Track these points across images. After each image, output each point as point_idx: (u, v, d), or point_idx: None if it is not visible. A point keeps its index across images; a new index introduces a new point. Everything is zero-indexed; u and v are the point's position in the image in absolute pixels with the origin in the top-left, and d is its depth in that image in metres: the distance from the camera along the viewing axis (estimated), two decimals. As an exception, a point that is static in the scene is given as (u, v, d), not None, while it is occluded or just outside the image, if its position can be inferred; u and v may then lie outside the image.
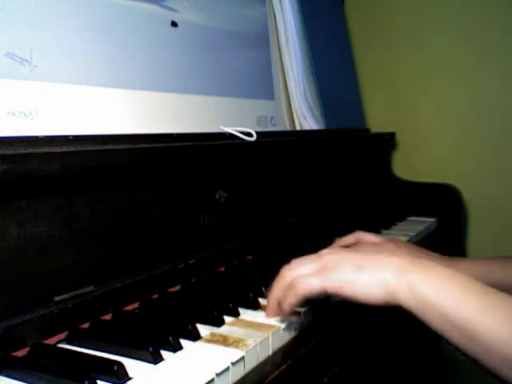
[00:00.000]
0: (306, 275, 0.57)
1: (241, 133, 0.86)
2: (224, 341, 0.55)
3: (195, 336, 0.56)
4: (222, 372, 0.49)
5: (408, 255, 0.59)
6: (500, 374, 0.48)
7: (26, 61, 0.62)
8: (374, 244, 0.84)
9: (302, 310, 0.61)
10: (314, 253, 0.88)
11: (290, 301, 0.57)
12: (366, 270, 0.55)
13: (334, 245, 0.87)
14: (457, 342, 0.51)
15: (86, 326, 0.60)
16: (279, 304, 0.59)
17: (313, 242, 0.98)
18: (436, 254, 0.85)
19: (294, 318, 0.60)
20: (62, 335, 0.57)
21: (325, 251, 0.61)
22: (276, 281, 0.60)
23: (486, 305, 0.51)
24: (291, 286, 0.57)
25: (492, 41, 1.31)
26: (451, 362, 1.32)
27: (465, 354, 0.51)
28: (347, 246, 0.85)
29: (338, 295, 0.56)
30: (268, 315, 0.60)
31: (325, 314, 0.65)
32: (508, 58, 1.30)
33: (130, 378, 0.48)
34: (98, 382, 0.47)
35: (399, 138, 1.45)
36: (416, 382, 1.41)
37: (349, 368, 0.66)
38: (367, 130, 1.45)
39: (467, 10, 1.34)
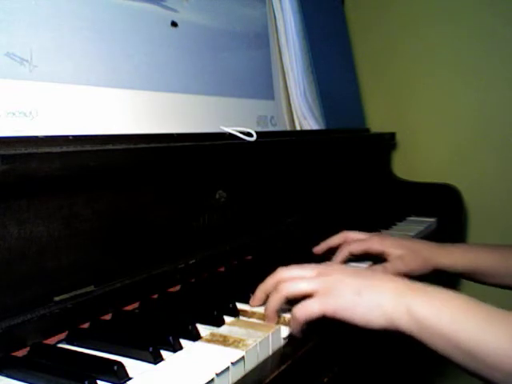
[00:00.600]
0: (306, 305, 0.57)
1: (241, 133, 0.86)
2: (224, 341, 0.55)
3: (195, 336, 0.56)
4: (222, 372, 0.49)
5: (403, 279, 0.60)
6: None
7: (26, 61, 0.62)
8: (360, 241, 0.85)
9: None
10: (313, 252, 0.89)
11: (295, 329, 0.58)
12: (365, 295, 0.56)
13: (323, 245, 0.88)
14: (461, 362, 0.52)
15: (86, 326, 0.60)
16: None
17: (313, 242, 0.98)
18: (423, 241, 0.87)
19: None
20: (62, 335, 0.57)
21: (324, 269, 0.62)
22: (271, 277, 0.62)
23: (487, 323, 0.51)
24: (292, 316, 0.58)
25: (496, 41, 1.31)
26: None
27: (471, 373, 0.52)
28: (336, 248, 0.86)
29: (337, 319, 0.57)
30: (252, 304, 0.63)
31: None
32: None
33: (130, 378, 0.48)
34: (98, 382, 0.47)
35: (399, 138, 1.45)
36: (416, 381, 1.41)
37: (349, 368, 0.66)
38: (367, 130, 1.45)
39: (471, 6, 1.33)
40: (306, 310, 0.57)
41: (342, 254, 0.84)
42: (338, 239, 0.87)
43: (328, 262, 0.65)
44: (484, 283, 0.84)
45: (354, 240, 0.86)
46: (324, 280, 0.59)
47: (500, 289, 0.83)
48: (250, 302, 0.64)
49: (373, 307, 0.55)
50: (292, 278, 0.61)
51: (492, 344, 0.50)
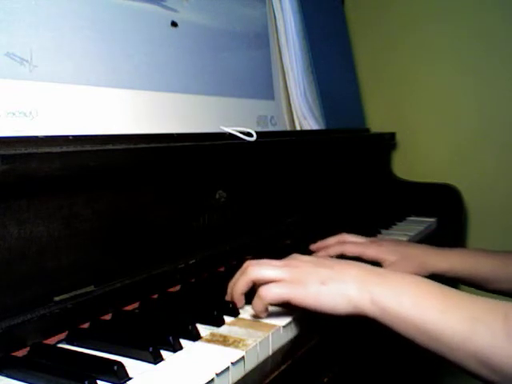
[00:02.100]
0: (272, 286, 0.59)
1: (241, 133, 0.86)
2: (224, 341, 0.55)
3: (195, 336, 0.56)
4: (222, 372, 0.49)
5: (366, 266, 0.62)
6: (468, 369, 0.51)
7: (26, 61, 0.62)
8: (356, 243, 0.86)
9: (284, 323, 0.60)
10: (313, 252, 0.89)
11: (258, 308, 0.60)
12: (330, 284, 0.58)
13: (319, 243, 0.88)
14: (424, 345, 0.54)
15: (86, 326, 0.60)
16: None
17: (312, 242, 0.98)
18: (421, 245, 0.87)
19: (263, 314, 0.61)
20: (62, 335, 0.57)
21: (292, 261, 0.63)
22: (239, 274, 0.63)
23: (448, 306, 0.53)
24: (257, 295, 0.59)
25: (496, 40, 1.31)
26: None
27: (433, 354, 0.53)
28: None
29: (302, 306, 0.58)
30: (238, 306, 0.63)
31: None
32: None
33: (130, 378, 0.48)
34: (98, 382, 0.47)
35: (399, 138, 1.45)
36: (415, 381, 1.41)
37: (349, 368, 0.66)
38: (367, 130, 1.45)
39: (472, 5, 1.33)
40: (273, 291, 0.59)
41: (333, 250, 0.85)
42: (335, 240, 0.88)
43: (296, 254, 0.66)
44: (483, 289, 0.83)
45: (351, 242, 0.87)
46: (291, 270, 0.60)
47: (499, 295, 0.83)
48: (226, 298, 0.65)
49: (338, 295, 0.57)
50: (259, 263, 0.63)
51: (453, 326, 0.51)
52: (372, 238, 0.92)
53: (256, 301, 0.60)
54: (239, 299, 0.63)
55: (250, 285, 0.62)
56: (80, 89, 0.68)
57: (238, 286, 0.62)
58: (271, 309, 0.61)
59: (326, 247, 0.87)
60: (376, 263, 0.82)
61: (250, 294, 0.62)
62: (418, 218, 1.30)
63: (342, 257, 0.83)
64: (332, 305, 0.57)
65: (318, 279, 0.59)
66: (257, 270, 0.61)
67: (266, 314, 0.60)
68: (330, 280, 0.58)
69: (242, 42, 1.01)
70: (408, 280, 0.58)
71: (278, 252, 0.91)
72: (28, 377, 0.49)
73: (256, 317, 0.61)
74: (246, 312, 0.63)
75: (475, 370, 0.50)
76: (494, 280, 0.81)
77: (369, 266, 0.62)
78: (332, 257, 0.84)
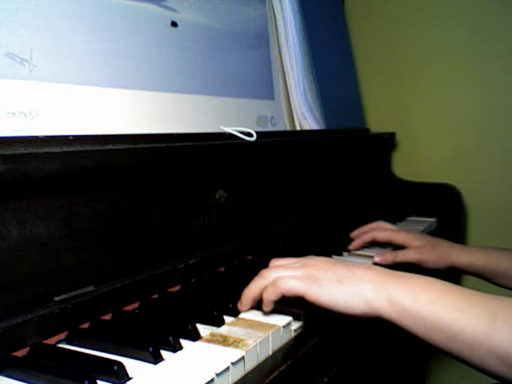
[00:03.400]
0: (288, 277, 0.60)
1: (241, 133, 0.86)
2: (224, 341, 0.55)
3: (195, 336, 0.56)
4: (222, 372, 0.49)
5: (382, 268, 0.62)
6: (487, 368, 0.50)
7: (26, 61, 0.62)
8: (387, 230, 0.93)
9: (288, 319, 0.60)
10: (313, 252, 0.89)
11: (269, 297, 0.60)
12: (346, 283, 0.58)
13: (359, 230, 0.96)
14: (441, 345, 0.53)
15: (86, 326, 0.60)
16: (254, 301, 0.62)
17: (312, 242, 0.98)
18: (452, 243, 0.90)
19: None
20: (62, 335, 0.57)
21: (308, 261, 0.64)
22: (254, 280, 0.62)
23: (465, 303, 0.53)
24: (272, 283, 0.60)
25: (497, 40, 1.31)
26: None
27: (450, 354, 0.53)
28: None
29: (316, 304, 0.58)
30: (240, 309, 0.63)
31: (324, 313, 0.65)
32: None
33: (130, 378, 0.48)
34: (98, 382, 0.47)
35: (399, 138, 1.45)
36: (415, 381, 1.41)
37: (349, 368, 0.66)
38: (367, 130, 1.45)
39: (472, 4, 1.33)
40: (289, 283, 0.59)
41: (366, 237, 0.92)
42: (371, 225, 0.95)
43: (312, 256, 0.67)
44: (502, 286, 0.85)
45: (382, 228, 0.94)
46: (307, 269, 0.61)
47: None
48: (238, 307, 0.63)
49: (354, 295, 0.57)
50: (276, 267, 0.63)
51: (471, 323, 0.51)
52: (403, 228, 0.99)
53: (269, 289, 0.59)
54: (247, 303, 0.62)
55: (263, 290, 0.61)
56: (80, 89, 0.68)
57: (252, 288, 0.62)
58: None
59: (362, 233, 0.94)
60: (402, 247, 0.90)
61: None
62: (418, 218, 1.30)
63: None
64: (347, 304, 0.57)
65: (334, 277, 0.59)
66: (272, 273, 0.61)
67: (271, 308, 0.60)
68: (347, 279, 0.58)
69: (241, 42, 1.01)
70: (424, 280, 0.58)
71: (278, 252, 0.91)
72: (28, 377, 0.49)
73: (260, 311, 0.61)
74: (246, 312, 0.63)
75: (495, 368, 0.50)
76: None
77: (386, 269, 0.61)
78: (365, 245, 0.93)
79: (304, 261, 0.64)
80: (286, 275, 0.60)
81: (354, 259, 0.89)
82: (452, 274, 0.87)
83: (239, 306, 0.63)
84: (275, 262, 0.65)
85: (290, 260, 0.65)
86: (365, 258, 0.90)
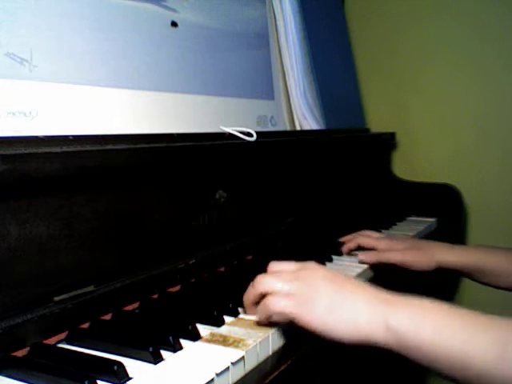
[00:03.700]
0: (280, 298, 0.57)
1: (241, 133, 0.86)
2: (224, 341, 0.55)
3: (195, 336, 0.56)
4: (222, 372, 0.49)
5: (380, 292, 0.57)
6: None
7: (26, 61, 0.62)
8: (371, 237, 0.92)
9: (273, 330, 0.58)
10: (313, 252, 0.89)
11: (261, 317, 0.58)
12: (340, 309, 0.54)
13: (348, 236, 0.95)
14: (446, 372, 0.50)
15: (86, 326, 0.60)
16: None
17: (312, 242, 0.98)
18: (438, 243, 0.89)
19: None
20: (62, 335, 0.57)
21: (304, 274, 0.60)
22: (249, 288, 0.61)
23: (472, 330, 0.49)
24: (263, 304, 0.58)
25: (498, 39, 1.31)
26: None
27: (455, 382, 0.50)
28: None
29: (307, 329, 0.55)
30: (248, 313, 0.62)
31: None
32: None
33: (130, 378, 0.48)
34: (98, 382, 0.47)
35: (399, 138, 1.45)
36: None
37: (349, 367, 0.66)
38: (367, 130, 1.45)
39: (474, 3, 1.33)
40: (279, 304, 0.56)
41: (353, 243, 0.92)
42: (355, 233, 0.95)
43: (312, 264, 0.63)
44: (488, 284, 0.84)
45: (367, 235, 0.93)
46: (302, 287, 0.57)
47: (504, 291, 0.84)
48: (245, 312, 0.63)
49: (348, 322, 0.53)
50: (271, 275, 0.61)
51: (481, 351, 0.48)
52: (387, 236, 0.98)
53: (261, 308, 0.58)
54: (249, 308, 0.62)
55: (259, 297, 0.60)
56: (80, 89, 0.68)
57: (247, 296, 0.61)
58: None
59: (349, 240, 0.94)
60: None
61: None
62: (418, 218, 1.30)
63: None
64: (340, 332, 0.53)
65: (327, 302, 0.55)
66: (267, 281, 0.59)
67: (267, 322, 0.58)
68: (340, 304, 0.54)
69: (241, 42, 1.01)
70: (424, 304, 0.53)
71: (278, 252, 0.91)
72: (28, 377, 0.49)
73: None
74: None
75: None
76: (501, 274, 0.82)
77: (383, 292, 0.56)
78: (352, 250, 0.92)
79: (299, 273, 0.60)
80: (278, 291, 0.57)
81: (353, 259, 0.89)
82: (441, 276, 0.87)
83: (246, 310, 0.63)
84: (273, 267, 0.63)
85: (288, 265, 0.63)
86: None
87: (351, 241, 0.93)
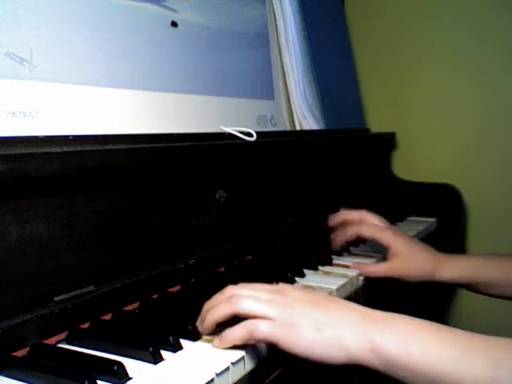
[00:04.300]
0: (262, 322, 0.52)
1: (241, 133, 0.86)
2: (224, 341, 0.54)
3: (195, 336, 0.56)
4: (222, 372, 0.49)
5: (366, 309, 0.54)
6: None
7: (26, 61, 0.62)
8: (374, 227, 0.85)
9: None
10: (313, 252, 0.89)
11: (239, 335, 0.52)
12: (325, 331, 0.51)
13: (341, 215, 0.90)
14: None
15: (86, 326, 0.60)
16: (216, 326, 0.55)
17: (312, 242, 0.98)
18: (434, 254, 0.85)
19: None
20: (62, 335, 0.57)
21: (284, 298, 0.55)
22: (219, 300, 0.55)
23: (462, 351, 0.48)
24: (243, 325, 0.52)
25: (498, 39, 1.31)
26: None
27: None
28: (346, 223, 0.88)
29: (292, 354, 0.51)
30: (203, 333, 0.56)
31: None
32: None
33: (130, 378, 0.48)
34: (98, 382, 0.47)
35: (399, 138, 1.45)
36: None
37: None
38: (367, 130, 1.45)
39: (472, 3, 1.33)
40: (262, 329, 0.51)
41: (350, 232, 0.86)
42: (356, 215, 0.88)
43: (287, 286, 0.59)
44: (485, 294, 0.83)
45: (370, 223, 0.87)
46: (283, 310, 0.53)
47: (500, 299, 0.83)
48: (197, 325, 0.57)
49: (333, 344, 0.51)
50: (248, 296, 0.55)
51: (471, 374, 0.46)
52: (391, 225, 0.91)
53: (237, 330, 0.52)
54: (209, 327, 0.55)
55: (231, 317, 0.54)
56: (80, 89, 0.68)
57: (217, 313, 0.54)
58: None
59: (346, 223, 0.88)
60: None
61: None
62: (418, 218, 1.30)
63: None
64: (326, 356, 0.51)
65: (311, 324, 0.52)
66: (244, 302, 0.53)
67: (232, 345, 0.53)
68: (326, 327, 0.51)
69: (241, 42, 1.01)
70: (413, 325, 0.51)
71: (278, 252, 0.91)
72: (28, 377, 0.49)
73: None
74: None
75: None
76: (497, 284, 0.81)
77: (370, 310, 0.54)
78: (347, 242, 0.87)
79: (277, 295, 0.55)
80: (261, 320, 0.52)
81: (354, 259, 0.89)
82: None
83: (203, 329, 0.56)
84: (245, 286, 0.57)
85: (262, 286, 0.58)
86: (365, 258, 0.90)
87: (350, 227, 0.86)
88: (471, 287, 0.83)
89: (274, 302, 0.54)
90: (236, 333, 0.52)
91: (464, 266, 0.82)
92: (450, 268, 0.82)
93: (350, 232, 0.86)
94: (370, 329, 0.51)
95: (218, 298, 0.56)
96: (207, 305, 0.57)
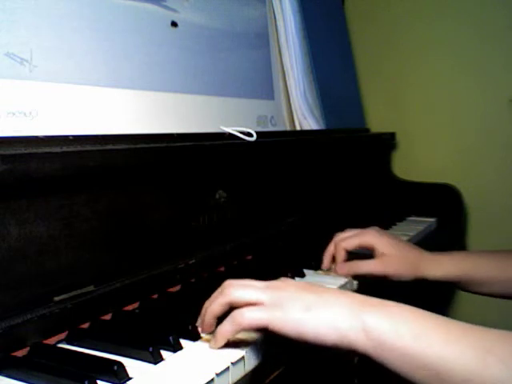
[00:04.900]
0: (247, 310, 0.52)
1: (241, 133, 0.86)
2: (224, 341, 0.55)
3: (195, 336, 0.56)
4: (222, 372, 0.49)
5: (359, 295, 0.54)
6: None
7: (26, 61, 0.62)
8: (353, 236, 0.82)
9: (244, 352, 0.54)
10: (314, 251, 0.89)
11: (225, 332, 0.52)
12: (315, 310, 0.51)
13: (325, 259, 0.84)
14: (423, 382, 0.47)
15: (86, 326, 0.60)
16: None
17: (312, 242, 0.98)
18: (417, 248, 0.84)
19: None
20: (62, 335, 0.57)
21: (276, 282, 0.56)
22: (216, 296, 0.56)
23: (454, 338, 0.48)
24: (230, 317, 0.52)
25: (499, 39, 1.31)
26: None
27: None
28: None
29: (281, 334, 0.51)
30: (205, 331, 0.56)
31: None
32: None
33: (130, 378, 0.48)
34: (98, 382, 0.47)
35: (399, 138, 1.45)
36: None
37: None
38: (367, 130, 1.45)
39: (472, 3, 1.33)
40: (249, 315, 0.51)
41: (338, 255, 0.82)
42: (333, 245, 0.85)
43: (283, 278, 0.59)
44: (477, 293, 0.81)
45: (346, 237, 0.84)
46: (272, 293, 0.53)
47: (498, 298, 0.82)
48: (198, 325, 0.58)
49: (324, 323, 0.50)
50: (239, 285, 0.55)
51: (460, 360, 0.46)
52: (370, 227, 0.87)
53: (225, 324, 0.52)
54: (210, 323, 0.55)
55: (226, 308, 0.54)
56: (80, 89, 0.68)
57: (212, 307, 0.55)
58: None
59: (331, 256, 0.84)
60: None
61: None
62: (418, 218, 1.30)
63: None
64: (316, 334, 0.50)
65: (301, 304, 0.52)
66: (235, 290, 0.54)
67: (224, 343, 0.53)
68: (315, 307, 0.51)
69: (241, 41, 1.01)
70: (406, 310, 0.51)
71: (278, 252, 0.91)
72: (28, 377, 0.49)
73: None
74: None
75: None
76: (490, 283, 0.79)
77: (363, 296, 0.54)
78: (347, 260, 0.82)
79: (270, 283, 0.56)
80: (247, 298, 0.53)
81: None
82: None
83: (202, 329, 0.57)
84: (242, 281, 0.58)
85: (258, 282, 0.57)
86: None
87: (338, 253, 0.82)
88: (462, 285, 0.81)
89: (265, 288, 0.54)
90: (225, 328, 0.52)
91: (450, 263, 0.80)
92: (436, 265, 0.80)
93: (339, 258, 0.82)
94: (362, 310, 0.51)
95: (214, 294, 0.57)
96: (206, 303, 0.57)
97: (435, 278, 0.80)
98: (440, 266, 0.80)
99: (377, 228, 0.86)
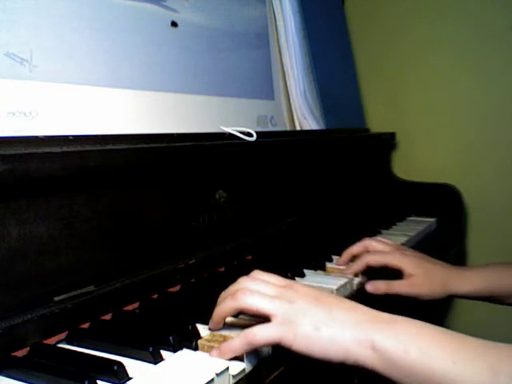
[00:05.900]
0: (260, 329, 0.52)
1: (241, 133, 0.86)
2: (224, 340, 0.54)
3: (195, 336, 0.56)
4: (222, 372, 0.49)
5: (369, 310, 0.55)
6: None
7: (26, 61, 0.62)
8: (380, 253, 0.82)
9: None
10: (313, 252, 0.89)
11: (239, 347, 0.52)
12: (325, 329, 0.52)
13: (345, 255, 0.85)
14: None
15: (86, 326, 0.60)
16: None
17: (313, 242, 0.98)
18: (447, 265, 0.83)
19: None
20: (62, 335, 0.57)
21: (289, 292, 0.56)
22: (226, 293, 0.57)
23: (461, 355, 0.47)
24: (243, 335, 0.52)
25: (499, 40, 1.31)
26: None
27: None
28: (355, 256, 0.85)
29: (291, 350, 0.52)
30: (213, 329, 0.58)
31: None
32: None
33: (130, 378, 0.48)
34: (98, 382, 0.47)
35: (399, 138, 1.45)
36: None
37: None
38: (367, 130, 1.45)
39: (472, 3, 1.33)
40: (261, 335, 0.52)
41: (358, 265, 0.82)
42: (359, 248, 0.85)
43: (298, 283, 0.60)
44: (502, 303, 0.81)
45: (375, 251, 0.83)
46: (285, 306, 0.54)
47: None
48: (209, 325, 0.58)
49: (333, 343, 0.51)
50: (253, 291, 0.56)
51: (469, 378, 0.46)
52: (397, 245, 0.88)
53: (236, 341, 0.52)
54: (217, 322, 0.57)
55: (236, 312, 0.56)
56: (80, 89, 0.68)
57: (222, 309, 0.56)
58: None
59: (350, 256, 0.85)
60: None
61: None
62: (418, 218, 1.30)
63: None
64: (324, 353, 0.51)
65: (310, 322, 0.52)
66: (248, 298, 0.54)
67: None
68: (325, 325, 0.52)
69: (241, 41, 1.01)
70: (414, 326, 0.51)
71: (278, 252, 0.91)
72: (28, 377, 0.49)
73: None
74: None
75: None
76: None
77: (372, 311, 0.54)
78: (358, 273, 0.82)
79: (284, 290, 0.56)
80: (258, 326, 0.53)
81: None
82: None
83: (213, 325, 0.58)
84: (257, 274, 0.59)
85: (274, 278, 0.59)
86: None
87: (360, 261, 0.82)
88: (494, 299, 0.80)
89: (278, 299, 0.55)
90: (235, 344, 0.52)
91: (478, 278, 0.79)
92: (465, 281, 0.79)
93: (357, 266, 0.82)
94: (369, 327, 0.51)
95: (229, 290, 0.58)
96: (222, 294, 0.58)
97: (465, 294, 0.80)
98: (469, 282, 0.80)
99: (400, 247, 0.86)
